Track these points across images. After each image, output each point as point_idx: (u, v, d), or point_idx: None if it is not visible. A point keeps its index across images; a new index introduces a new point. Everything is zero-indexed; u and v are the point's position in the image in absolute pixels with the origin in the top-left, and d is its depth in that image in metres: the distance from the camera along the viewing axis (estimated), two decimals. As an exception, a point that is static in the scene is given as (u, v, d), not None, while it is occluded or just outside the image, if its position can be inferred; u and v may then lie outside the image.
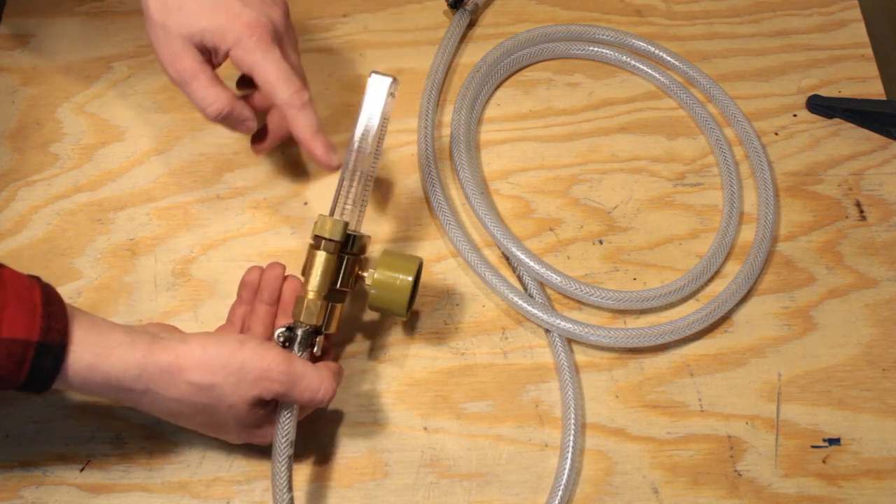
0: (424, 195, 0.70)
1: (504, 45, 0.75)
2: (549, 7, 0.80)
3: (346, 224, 0.57)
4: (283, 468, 0.54)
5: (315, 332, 0.57)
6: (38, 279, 0.51)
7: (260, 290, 0.60)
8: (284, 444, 0.54)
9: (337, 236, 0.57)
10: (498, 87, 0.76)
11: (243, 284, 0.61)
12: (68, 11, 0.79)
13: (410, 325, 0.66)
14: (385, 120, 0.60)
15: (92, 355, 0.50)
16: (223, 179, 0.71)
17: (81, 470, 0.61)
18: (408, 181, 0.72)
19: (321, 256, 0.57)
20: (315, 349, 0.57)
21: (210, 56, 0.61)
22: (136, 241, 0.69)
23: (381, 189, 0.71)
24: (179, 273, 0.67)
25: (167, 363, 0.51)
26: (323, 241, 0.57)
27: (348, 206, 0.59)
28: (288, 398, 0.54)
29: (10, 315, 0.47)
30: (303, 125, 0.60)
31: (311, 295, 0.56)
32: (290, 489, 0.54)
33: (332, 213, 0.59)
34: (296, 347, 0.56)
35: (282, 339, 0.56)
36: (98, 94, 0.75)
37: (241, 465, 0.61)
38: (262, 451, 0.59)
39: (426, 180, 0.70)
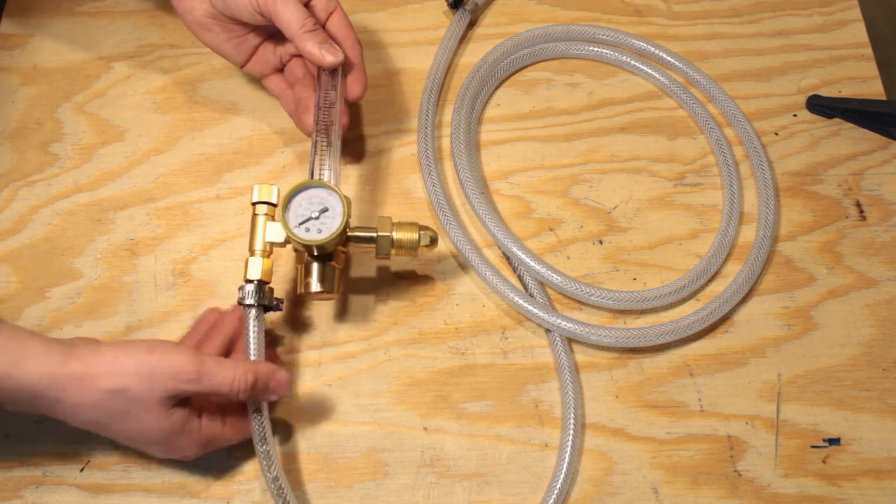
0: (425, 195, 0.70)
1: (504, 45, 0.75)
2: (548, 7, 0.80)
3: (277, 189, 0.61)
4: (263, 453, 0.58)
5: (261, 284, 0.59)
6: None
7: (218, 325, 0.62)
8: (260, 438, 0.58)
9: (270, 199, 0.60)
10: (498, 87, 0.76)
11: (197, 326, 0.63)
12: (68, 11, 0.79)
13: (410, 324, 0.66)
14: (332, 91, 0.64)
15: (8, 364, 0.51)
16: (223, 179, 0.71)
17: (81, 470, 0.61)
18: (408, 181, 0.72)
19: (259, 219, 0.60)
20: (278, 304, 0.61)
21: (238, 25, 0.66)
22: (136, 241, 0.69)
23: (381, 189, 0.71)
24: (179, 273, 0.68)
25: (79, 371, 0.52)
26: (256, 206, 0.61)
27: (325, 172, 0.61)
28: (202, 394, 0.55)
29: None
30: (308, 47, 0.63)
31: (256, 254, 0.60)
32: (266, 442, 0.58)
33: (311, 176, 0.62)
34: (252, 300, 0.59)
35: (240, 294, 0.59)
36: (98, 94, 0.75)
37: (241, 465, 0.61)
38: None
39: (426, 180, 0.70)
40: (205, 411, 0.57)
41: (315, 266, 0.61)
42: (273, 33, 0.67)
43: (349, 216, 0.59)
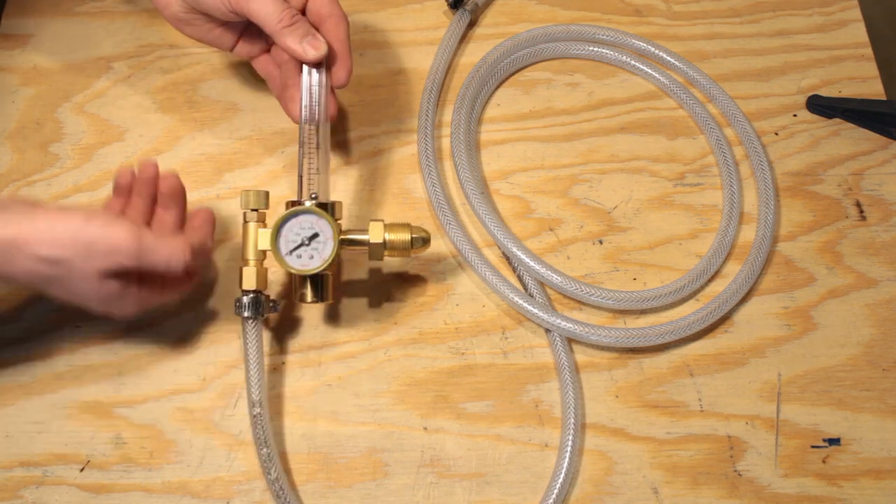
0: (425, 195, 0.70)
1: (504, 45, 0.75)
2: (548, 7, 0.80)
3: (267, 193, 0.60)
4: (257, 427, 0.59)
5: (258, 295, 0.60)
6: None
7: (136, 187, 0.62)
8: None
9: (261, 206, 0.60)
10: (498, 87, 0.76)
11: (117, 186, 0.62)
12: (68, 11, 0.79)
13: (410, 324, 0.66)
14: (316, 88, 0.62)
15: None
16: (223, 179, 0.71)
17: (81, 470, 0.61)
18: (408, 181, 0.72)
19: (250, 226, 0.60)
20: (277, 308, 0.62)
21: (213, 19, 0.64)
22: (136, 241, 0.69)
23: (380, 189, 0.71)
24: (179, 273, 0.68)
25: (12, 236, 0.51)
26: (246, 213, 0.60)
27: (313, 177, 0.61)
28: (140, 268, 0.55)
29: None
30: (288, 43, 0.61)
31: (250, 264, 0.60)
32: (267, 444, 0.59)
33: (299, 187, 0.61)
34: (250, 312, 0.60)
35: (237, 305, 0.60)
36: (98, 94, 0.75)
37: (241, 465, 0.61)
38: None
39: (426, 180, 0.70)
40: (142, 276, 0.57)
41: (308, 277, 0.60)
42: None
43: (340, 237, 0.59)
